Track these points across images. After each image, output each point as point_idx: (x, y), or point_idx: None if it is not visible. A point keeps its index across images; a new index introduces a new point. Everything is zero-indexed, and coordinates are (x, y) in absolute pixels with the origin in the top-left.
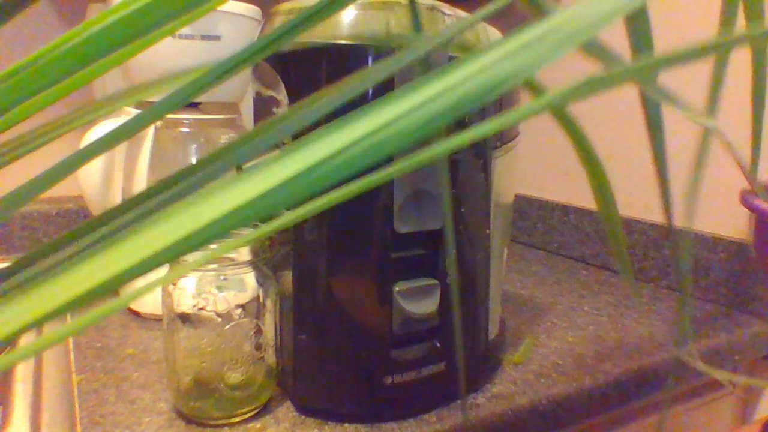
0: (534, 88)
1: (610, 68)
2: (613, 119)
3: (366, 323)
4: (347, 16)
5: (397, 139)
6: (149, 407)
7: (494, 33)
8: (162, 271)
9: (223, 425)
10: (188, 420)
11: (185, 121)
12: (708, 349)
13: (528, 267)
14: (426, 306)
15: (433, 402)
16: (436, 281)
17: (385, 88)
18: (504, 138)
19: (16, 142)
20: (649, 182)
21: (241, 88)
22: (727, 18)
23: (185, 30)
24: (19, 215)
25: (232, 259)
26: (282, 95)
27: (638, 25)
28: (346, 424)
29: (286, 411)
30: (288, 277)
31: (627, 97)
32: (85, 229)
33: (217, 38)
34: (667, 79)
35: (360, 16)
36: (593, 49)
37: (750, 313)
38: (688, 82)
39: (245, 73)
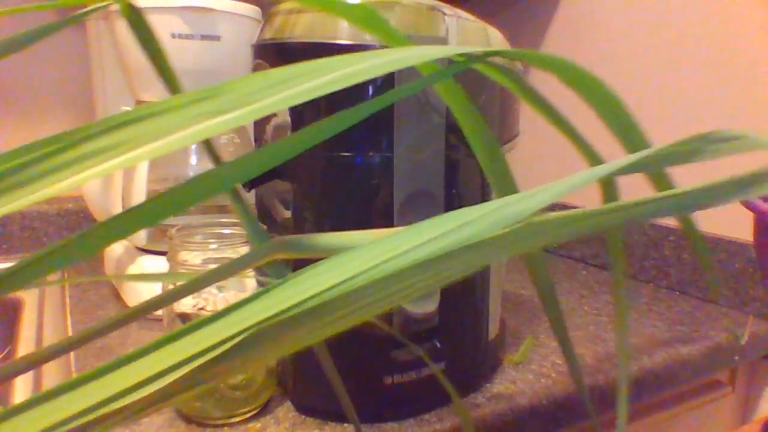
0: None
1: None
2: None
3: (366, 323)
4: None
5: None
6: None
7: (494, 33)
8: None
9: (223, 425)
10: (188, 420)
11: None
12: (708, 349)
13: (528, 267)
14: (426, 306)
15: (433, 402)
16: None
17: (385, 87)
18: (504, 138)
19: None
20: (647, 183)
21: None
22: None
23: (185, 30)
24: (19, 215)
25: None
26: None
27: None
28: (346, 424)
29: (286, 411)
30: None
31: (628, 100)
32: None
33: (217, 38)
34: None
35: None
36: None
37: (750, 313)
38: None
39: (246, 73)
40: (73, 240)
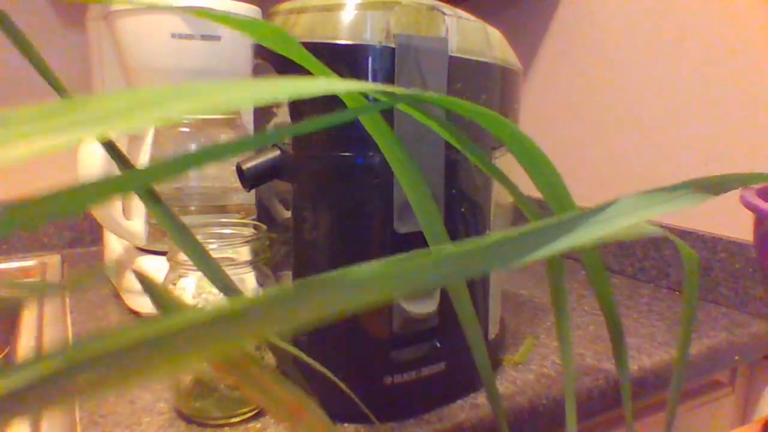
0: None
1: None
2: (615, 121)
3: (366, 323)
4: (347, 16)
5: None
6: (149, 407)
7: (494, 33)
8: (162, 271)
9: (223, 425)
10: (188, 420)
11: (185, 121)
12: (708, 349)
13: (528, 267)
14: (426, 306)
15: (433, 402)
16: None
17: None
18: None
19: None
20: (648, 183)
21: None
22: None
23: (185, 30)
24: None
25: (232, 260)
26: None
27: None
28: (346, 424)
29: None
30: (288, 277)
31: (628, 100)
32: None
33: (217, 38)
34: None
35: (360, 16)
36: None
37: (750, 313)
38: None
39: (246, 73)
40: (58, 193)
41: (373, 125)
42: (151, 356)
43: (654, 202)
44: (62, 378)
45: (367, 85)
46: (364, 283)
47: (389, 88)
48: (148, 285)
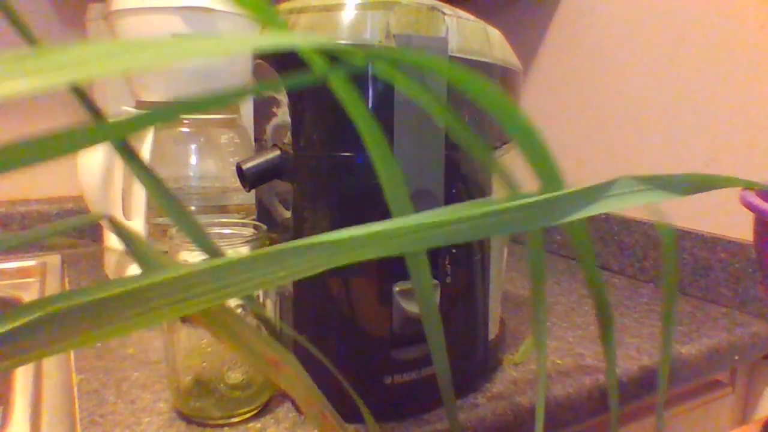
0: None
1: None
2: (616, 121)
3: (366, 323)
4: (347, 16)
5: None
6: (149, 407)
7: (494, 33)
8: None
9: (223, 425)
10: (188, 420)
11: (185, 121)
12: (708, 349)
13: (528, 267)
14: None
15: (433, 402)
16: (436, 281)
17: (384, 90)
18: (504, 138)
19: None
20: None
21: None
22: None
23: (185, 30)
24: (19, 215)
25: None
26: (282, 95)
27: None
28: (347, 424)
29: (286, 411)
30: None
31: (629, 100)
32: None
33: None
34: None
35: (360, 16)
36: None
37: (750, 313)
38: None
39: (245, 73)
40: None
41: (343, 92)
42: (132, 309)
43: (653, 187)
44: (44, 326)
45: (330, 42)
46: (338, 246)
47: (356, 46)
48: (126, 237)
